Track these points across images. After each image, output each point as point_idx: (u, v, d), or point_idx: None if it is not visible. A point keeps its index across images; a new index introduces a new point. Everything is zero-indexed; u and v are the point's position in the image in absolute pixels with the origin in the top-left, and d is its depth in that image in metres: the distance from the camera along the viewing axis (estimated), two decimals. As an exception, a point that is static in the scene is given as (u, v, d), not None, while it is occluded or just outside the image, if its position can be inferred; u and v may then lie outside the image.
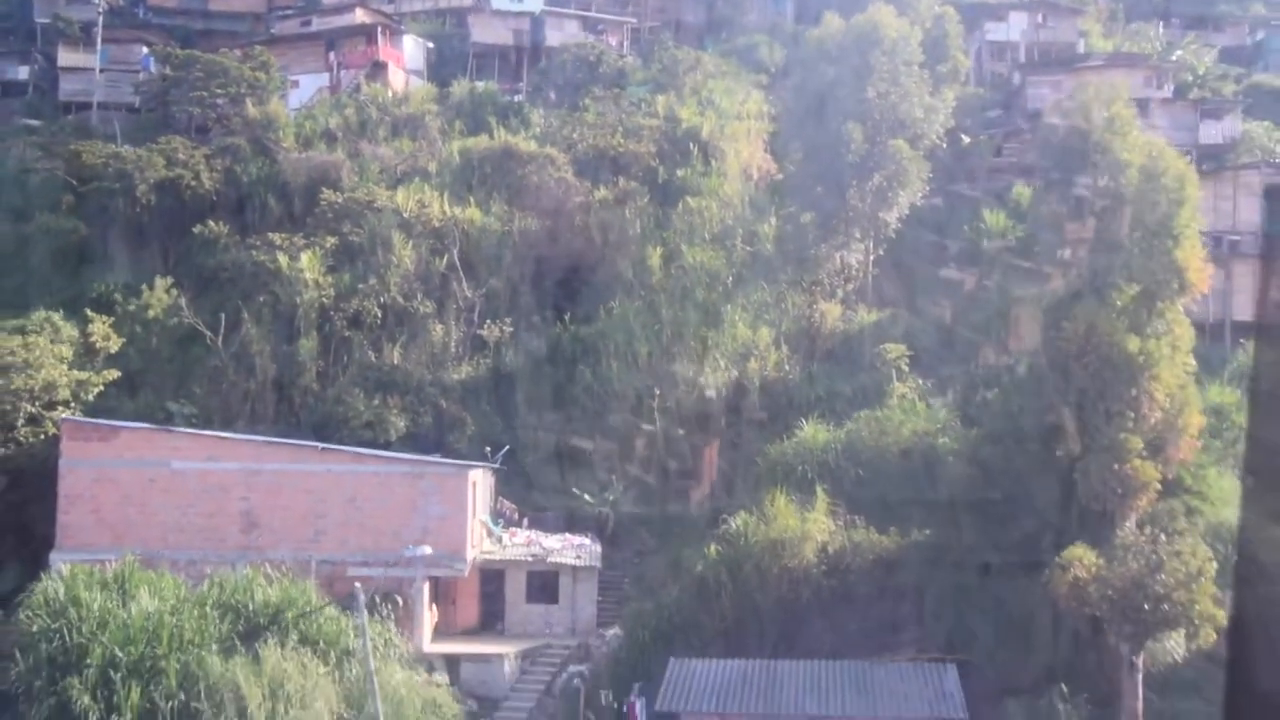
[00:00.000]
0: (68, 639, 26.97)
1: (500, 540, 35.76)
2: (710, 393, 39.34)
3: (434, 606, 33.87)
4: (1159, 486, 27.03)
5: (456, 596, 34.68)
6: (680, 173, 48.86)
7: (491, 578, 35.18)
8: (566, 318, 43.11)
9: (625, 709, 30.63)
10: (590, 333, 42.23)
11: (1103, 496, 26.33)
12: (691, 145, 50.14)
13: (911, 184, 42.65)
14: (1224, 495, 33.01)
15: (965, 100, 53.01)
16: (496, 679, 32.46)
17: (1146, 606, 24.98)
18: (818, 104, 43.41)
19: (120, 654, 26.75)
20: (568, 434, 39.55)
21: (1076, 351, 26.55)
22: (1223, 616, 26.02)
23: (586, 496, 37.58)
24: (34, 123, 58.25)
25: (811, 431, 36.56)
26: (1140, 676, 26.63)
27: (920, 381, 38.68)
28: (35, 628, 27.37)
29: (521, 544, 35.72)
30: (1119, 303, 26.77)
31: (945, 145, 48.21)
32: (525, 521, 37.46)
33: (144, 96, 58.04)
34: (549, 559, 34.96)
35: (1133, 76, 51.89)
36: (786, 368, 40.51)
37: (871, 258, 44.16)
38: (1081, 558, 26.17)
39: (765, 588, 32.36)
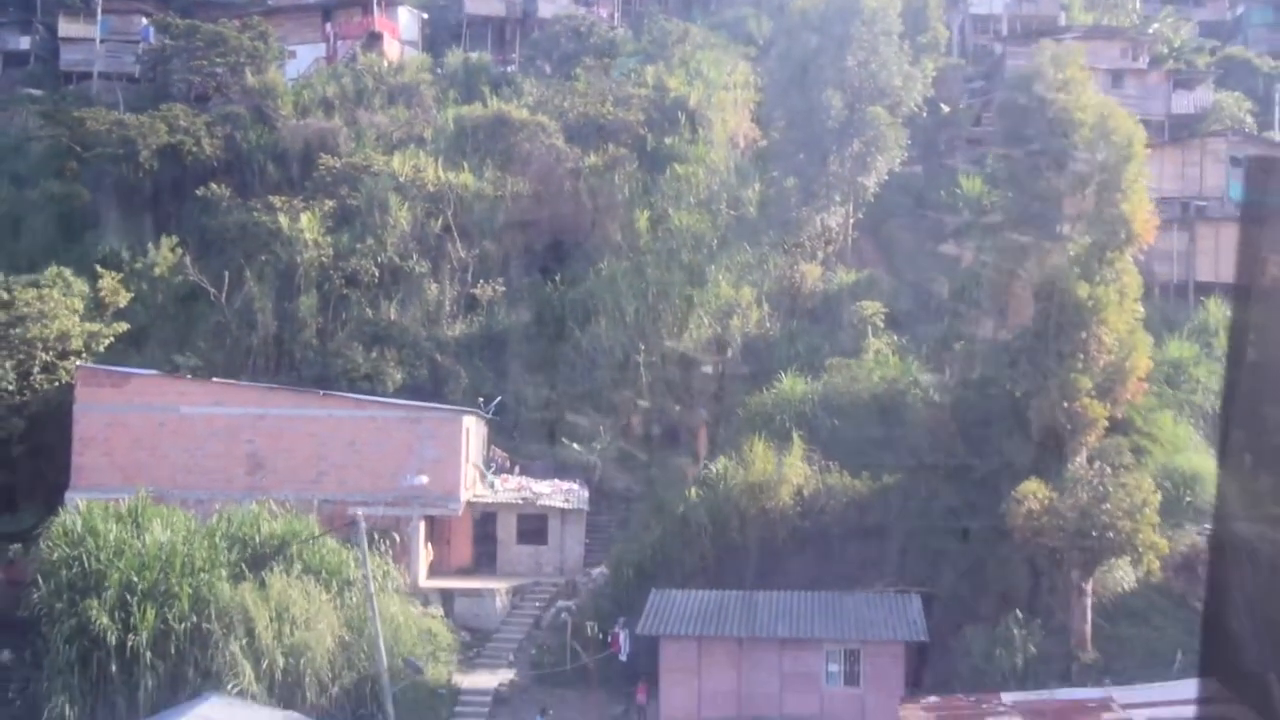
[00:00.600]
0: (86, 565, 29.04)
1: (492, 485, 37.85)
2: (694, 349, 41.33)
3: (429, 545, 35.98)
4: (1107, 424, 29.12)
5: (451, 537, 36.80)
6: (668, 141, 50.76)
7: (484, 520, 37.32)
8: (556, 278, 45.12)
9: (610, 639, 32.79)
10: (579, 292, 44.25)
11: (1054, 433, 28.46)
12: (679, 114, 52.02)
13: (890, 150, 44.66)
14: (1176, 440, 35.24)
15: (947, 72, 55.04)
16: (488, 613, 34.63)
17: (1094, 535, 27.09)
18: (800, 72, 45.37)
19: (136, 579, 28.84)
20: (557, 387, 41.61)
21: (1029, 297, 28.63)
22: (1165, 546, 28.20)
23: (575, 446, 39.64)
24: (35, 92, 60.02)
25: (790, 384, 38.62)
26: (1089, 602, 28.80)
27: (895, 338, 40.74)
28: (55, 556, 29.43)
29: (512, 489, 37.83)
30: (1072, 252, 28.82)
31: (925, 114, 50.22)
32: (516, 469, 39.54)
33: (144, 66, 59.89)
34: (538, 503, 37.07)
35: (1110, 48, 54.00)
36: (768, 325, 42.56)
37: (851, 221, 46.19)
38: (1035, 491, 28.29)
39: (744, 528, 34.43)
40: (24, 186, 52.65)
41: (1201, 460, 35.30)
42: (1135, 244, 29.79)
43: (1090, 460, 28.83)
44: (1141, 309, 30.59)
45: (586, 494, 38.13)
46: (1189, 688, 24.40)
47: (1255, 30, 67.00)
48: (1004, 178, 31.83)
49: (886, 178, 46.33)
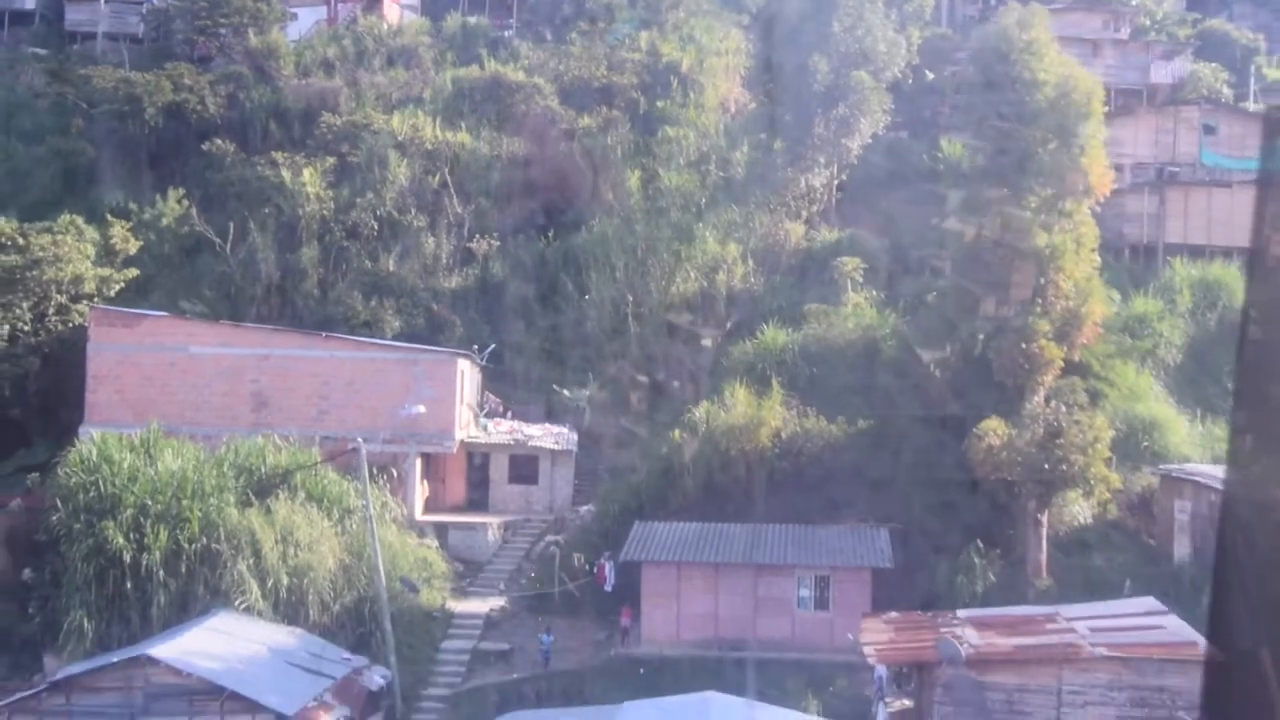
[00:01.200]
0: (102, 489, 31.13)
1: (485, 428, 39.93)
2: (681, 301, 43.37)
3: (425, 483, 38.08)
4: (1065, 367, 31.22)
5: (445, 475, 38.89)
6: (660, 104, 52.59)
7: (477, 460, 39.40)
8: (550, 234, 47.07)
9: (595, 570, 34.93)
10: (571, 247, 46.21)
11: (1013, 373, 30.52)
12: (672, 79, 53.81)
13: (873, 113, 46.59)
14: (1137, 389, 37.40)
15: (934, 42, 56.85)
16: (481, 545, 36.77)
17: (1048, 468, 29.19)
18: (789, 37, 47.26)
19: (150, 503, 30.93)
20: (549, 337, 43.65)
21: (993, 245, 30.63)
22: (1117, 480, 30.37)
23: (565, 392, 41.70)
24: (41, 52, 61.69)
25: (771, 335, 40.69)
26: (1044, 533, 30.96)
27: (874, 293, 42.77)
28: (73, 481, 31.50)
29: (505, 431, 39.91)
30: (1032, 203, 30.82)
31: (911, 83, 52.09)
32: (509, 414, 41.61)
33: (148, 27, 61.54)
34: (530, 444, 39.16)
35: (1092, 19, 55.85)
36: (752, 280, 44.56)
37: (835, 183, 48.16)
38: (995, 429, 30.37)
39: (724, 468, 36.54)
40: (30, 142, 54.43)
41: (1161, 409, 37.54)
42: (1092, 196, 31.80)
43: (1047, 400, 30.92)
44: (1098, 258, 32.66)
45: (576, 437, 40.21)
46: (1128, 604, 26.71)
47: (1240, 5, 68.85)
48: (972, 134, 33.80)
49: (871, 142, 48.27)
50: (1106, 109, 50.34)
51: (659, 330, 43.56)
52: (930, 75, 54.03)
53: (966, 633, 24.71)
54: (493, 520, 37.39)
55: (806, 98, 46.46)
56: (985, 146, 32.04)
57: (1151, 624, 24.93)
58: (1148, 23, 59.55)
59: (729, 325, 43.20)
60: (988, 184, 31.30)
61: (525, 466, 39.28)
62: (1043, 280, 30.11)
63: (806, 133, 46.93)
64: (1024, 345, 30.11)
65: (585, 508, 38.29)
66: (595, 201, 48.23)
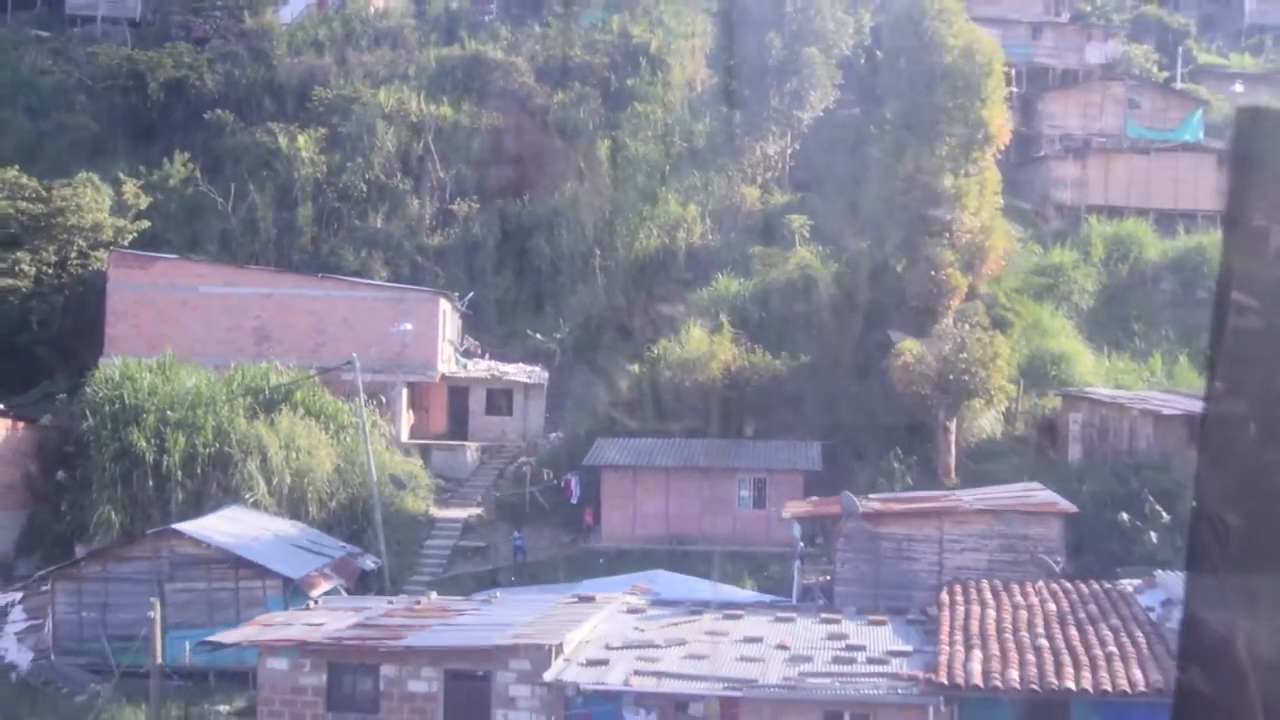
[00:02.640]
0: (126, 401, 36.44)
1: (464, 366, 45.28)
2: (644, 256, 48.85)
3: (411, 411, 43.40)
4: (969, 293, 36.75)
5: (429, 406, 44.23)
6: (630, 82, 58.08)
7: (457, 394, 44.75)
8: (525, 197, 52.48)
9: (562, 485, 40.28)
10: (545, 209, 51.62)
11: (924, 298, 35.99)
12: (641, 59, 59.34)
13: (823, 86, 52.19)
14: (1051, 327, 43.01)
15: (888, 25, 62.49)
16: (461, 465, 42.12)
17: (952, 378, 34.66)
18: (747, 16, 52.87)
19: (169, 413, 36.27)
20: (524, 289, 49.07)
21: (905, 187, 36.12)
22: (1013, 389, 35.92)
23: (538, 336, 47.09)
24: (43, 34, 67.00)
25: (724, 283, 46.16)
26: (953, 438, 36.42)
27: (820, 248, 48.23)
28: (100, 395, 36.81)
29: (483, 369, 45.28)
30: (941, 151, 36.30)
31: (864, 62, 57.64)
32: (487, 355, 46.96)
33: (145, 9, 66.85)
34: (505, 379, 44.53)
35: (1033, 3, 61.61)
36: (710, 238, 50.05)
37: (789, 151, 53.71)
38: (910, 349, 35.83)
39: (679, 398, 41.86)
40: (37, 118, 59.66)
41: (1071, 344, 43.17)
42: (993, 144, 37.34)
43: (954, 322, 36.41)
44: (1000, 200, 38.23)
45: (547, 375, 45.58)
46: (1014, 487, 32.26)
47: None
48: (891, 92, 39.31)
49: (823, 114, 53.85)
50: (1048, 87, 56.31)
51: (624, 281, 48.96)
52: (881, 55, 59.58)
53: (870, 503, 30.14)
54: (471, 444, 42.75)
55: (762, 72, 52.04)
56: (903, 102, 37.55)
57: (1024, 493, 30.45)
58: (1088, 8, 65.31)
59: (688, 276, 48.61)
60: (905, 135, 36.79)
61: (501, 399, 44.64)
62: (949, 217, 35.60)
63: (762, 105, 52.48)
64: (934, 273, 35.60)
65: (555, 434, 43.65)
66: (568, 168, 53.66)
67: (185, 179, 50.65)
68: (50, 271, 42.74)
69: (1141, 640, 23.93)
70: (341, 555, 34.47)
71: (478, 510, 40.02)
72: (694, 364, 41.99)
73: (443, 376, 43.35)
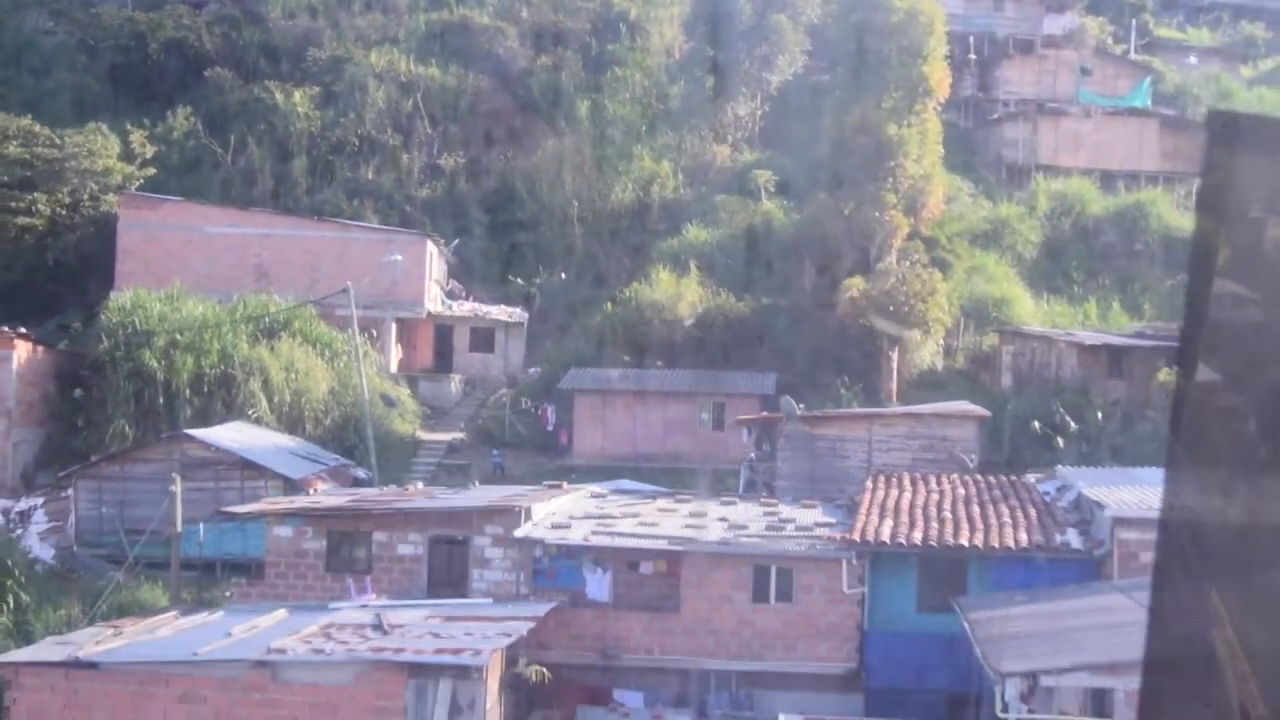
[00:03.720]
0: (138, 325, 40.49)
1: (450, 307, 49.42)
2: (619, 208, 53.02)
3: (399, 346, 47.52)
4: (911, 234, 40.98)
5: (416, 343, 48.35)
6: (610, 47, 62.14)
7: (443, 332, 48.88)
8: (509, 154, 56.55)
9: (539, 412, 44.47)
10: (528, 165, 55.68)
11: (869, 237, 40.22)
12: (621, 26, 63.43)
13: (790, 52, 56.31)
14: (995, 274, 47.26)
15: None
16: (445, 395, 46.29)
17: (891, 309, 38.89)
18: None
19: (178, 337, 40.36)
20: (506, 238, 53.18)
21: (854, 136, 40.32)
22: (949, 320, 40.16)
23: (519, 280, 51.23)
24: (44, -4, 70.75)
25: (694, 233, 50.36)
26: (895, 366, 40.68)
27: (785, 201, 52.42)
28: (114, 320, 40.86)
29: (467, 309, 49.42)
30: (886, 104, 40.47)
31: (832, 29, 61.69)
32: (470, 298, 51.09)
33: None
34: (488, 317, 48.68)
35: (996, -22, 65.72)
36: (682, 192, 54.21)
37: (759, 112, 57.85)
38: (856, 284, 40.08)
39: (649, 335, 46.09)
40: (40, 77, 63.47)
41: (1013, 289, 47.44)
42: (934, 97, 41.56)
43: (897, 260, 40.65)
44: (941, 149, 42.46)
45: (527, 316, 49.74)
46: (946, 404, 36.52)
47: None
48: (844, 50, 43.50)
49: (791, 78, 57.97)
50: (1008, 54, 60.42)
51: (601, 232, 53.11)
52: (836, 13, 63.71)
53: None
54: (456, 376, 46.91)
55: (733, 38, 56.15)
56: (854, 59, 41.73)
57: (949, 404, 34.71)
58: (1050, -18, 69.42)
59: (660, 228, 52.77)
60: (855, 88, 40.98)
61: (483, 337, 48.80)
62: (891, 163, 39.79)
63: (734, 69, 56.60)
64: (877, 214, 39.82)
65: (533, 369, 47.84)
66: (549, 128, 57.76)
67: (187, 132, 54.59)
68: (64, 213, 46.75)
69: (1033, 514, 28.25)
70: (336, 465, 38.61)
71: (461, 434, 44.17)
72: (663, 305, 46.23)
73: (429, 314, 47.47)
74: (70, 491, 37.77)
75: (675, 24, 64.55)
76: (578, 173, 54.84)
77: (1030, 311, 46.35)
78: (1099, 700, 19.93)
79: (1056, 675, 19.65)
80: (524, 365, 48.99)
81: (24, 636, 30.49)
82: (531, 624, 24.49)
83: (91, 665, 22.51)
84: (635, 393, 41.54)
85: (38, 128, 48.77)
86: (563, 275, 51.53)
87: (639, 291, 46.87)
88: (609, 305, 47.04)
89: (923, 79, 40.45)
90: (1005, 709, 20.18)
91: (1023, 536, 26.75)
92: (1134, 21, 65.89)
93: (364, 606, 25.73)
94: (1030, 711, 20.46)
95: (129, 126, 52.46)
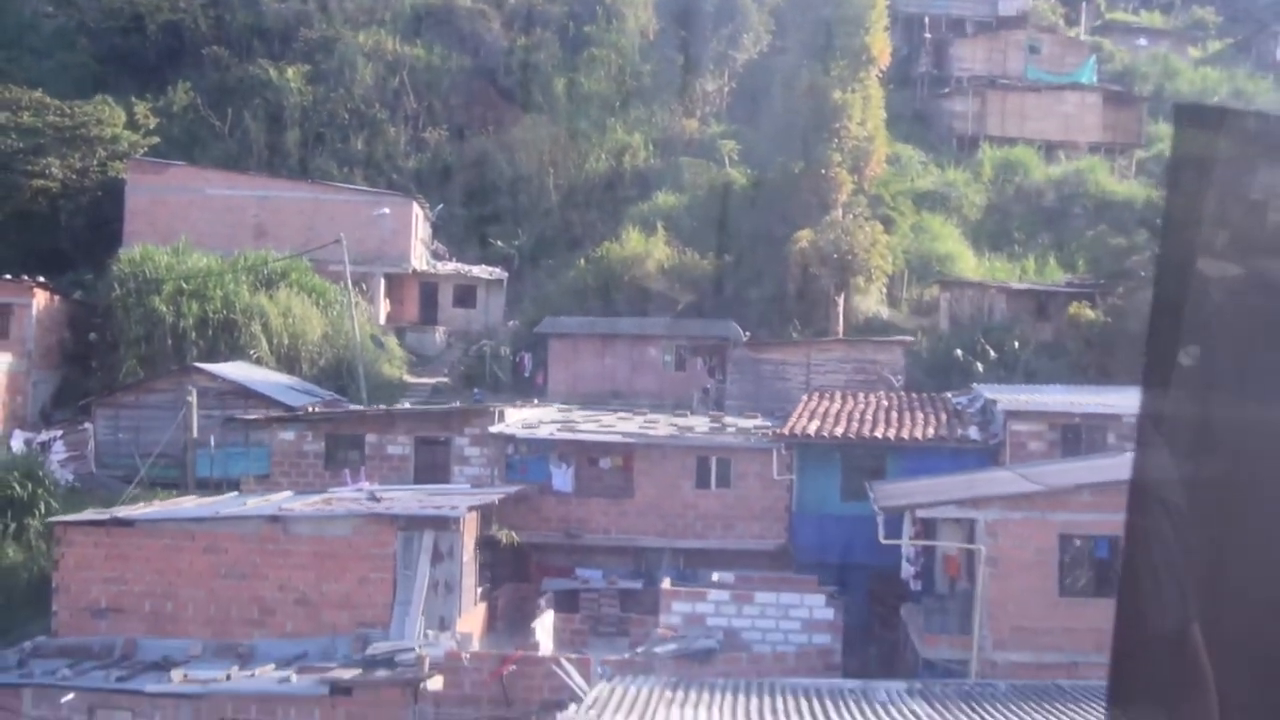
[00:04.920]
0: (148, 274, 45.17)
1: (434, 266, 54.17)
2: (593, 176, 57.84)
3: (387, 300, 52.25)
4: (856, 191, 45.85)
5: (404, 299, 53.08)
6: (586, 29, 66.98)
7: (428, 289, 53.62)
8: (490, 128, 61.33)
9: (517, 359, 49.21)
10: (507, 138, 60.47)
11: (817, 193, 45.07)
12: (597, 8, 68.24)
13: (755, 31, 61.21)
14: (941, 234, 52.12)
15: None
16: (430, 344, 51.02)
17: (835, 257, 43.70)
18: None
19: (184, 285, 45.04)
20: (487, 205, 57.95)
21: (803, 100, 45.19)
22: (890, 267, 45.04)
23: (499, 242, 56.01)
24: (44, -19, 75.36)
25: (663, 198, 55.19)
26: (840, 310, 45.46)
27: (750, 170, 57.25)
28: (126, 270, 45.54)
29: (450, 269, 54.17)
30: (833, 72, 45.35)
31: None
32: (454, 260, 55.84)
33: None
34: (470, 274, 53.44)
35: (955, -37, 70.70)
36: (653, 161, 59.04)
37: (726, 88, 62.73)
38: (805, 236, 44.90)
39: (619, 291, 50.86)
40: (41, 58, 68.09)
41: (957, 247, 52.29)
42: (875, 65, 46.47)
43: (842, 214, 45.51)
44: (884, 113, 47.34)
45: (506, 275, 54.51)
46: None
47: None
48: (794, 23, 48.39)
49: (756, 57, 62.86)
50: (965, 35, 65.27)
51: (576, 199, 57.92)
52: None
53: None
54: (440, 328, 51.67)
55: (702, 19, 61.06)
56: (804, 30, 46.62)
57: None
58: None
59: (632, 194, 57.57)
60: (804, 56, 45.87)
61: (466, 293, 53.55)
62: (836, 125, 44.67)
63: (703, 48, 61.50)
64: (824, 172, 44.69)
65: (512, 322, 52.60)
66: (528, 103, 62.59)
67: (186, 106, 59.28)
68: (75, 177, 51.41)
69: (943, 417, 33.09)
70: (330, 400, 43.27)
71: (444, 379, 48.90)
72: (631, 261, 51.03)
73: (415, 271, 52.22)
74: (87, 425, 42.46)
75: (649, 6, 69.41)
76: (554, 144, 59.63)
77: (972, 267, 51.19)
78: (969, 531, 24.75)
79: (928, 508, 24.47)
80: (504, 319, 53.72)
81: (54, 537, 35.26)
82: (502, 496, 29.23)
83: (129, 524, 27.23)
84: (604, 337, 46.25)
85: (48, 99, 53.44)
86: (538, 239, 56.27)
87: (610, 250, 51.65)
88: (582, 262, 51.79)
89: (865, 48, 45.36)
90: (899, 545, 24.99)
91: (930, 431, 31.57)
92: (1086, 4, 70.88)
93: (359, 489, 30.45)
94: (921, 548, 25.33)
95: (134, 99, 57.09)
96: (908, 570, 25.87)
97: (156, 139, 54.99)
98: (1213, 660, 2.56)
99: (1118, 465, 26.92)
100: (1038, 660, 23.65)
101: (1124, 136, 60.69)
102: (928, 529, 25.81)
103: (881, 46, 46.30)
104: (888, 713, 20.35)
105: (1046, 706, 21.01)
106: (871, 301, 46.74)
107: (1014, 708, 20.80)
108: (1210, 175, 2.56)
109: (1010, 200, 55.61)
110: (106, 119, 51.79)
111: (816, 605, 26.02)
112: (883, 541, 24.53)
